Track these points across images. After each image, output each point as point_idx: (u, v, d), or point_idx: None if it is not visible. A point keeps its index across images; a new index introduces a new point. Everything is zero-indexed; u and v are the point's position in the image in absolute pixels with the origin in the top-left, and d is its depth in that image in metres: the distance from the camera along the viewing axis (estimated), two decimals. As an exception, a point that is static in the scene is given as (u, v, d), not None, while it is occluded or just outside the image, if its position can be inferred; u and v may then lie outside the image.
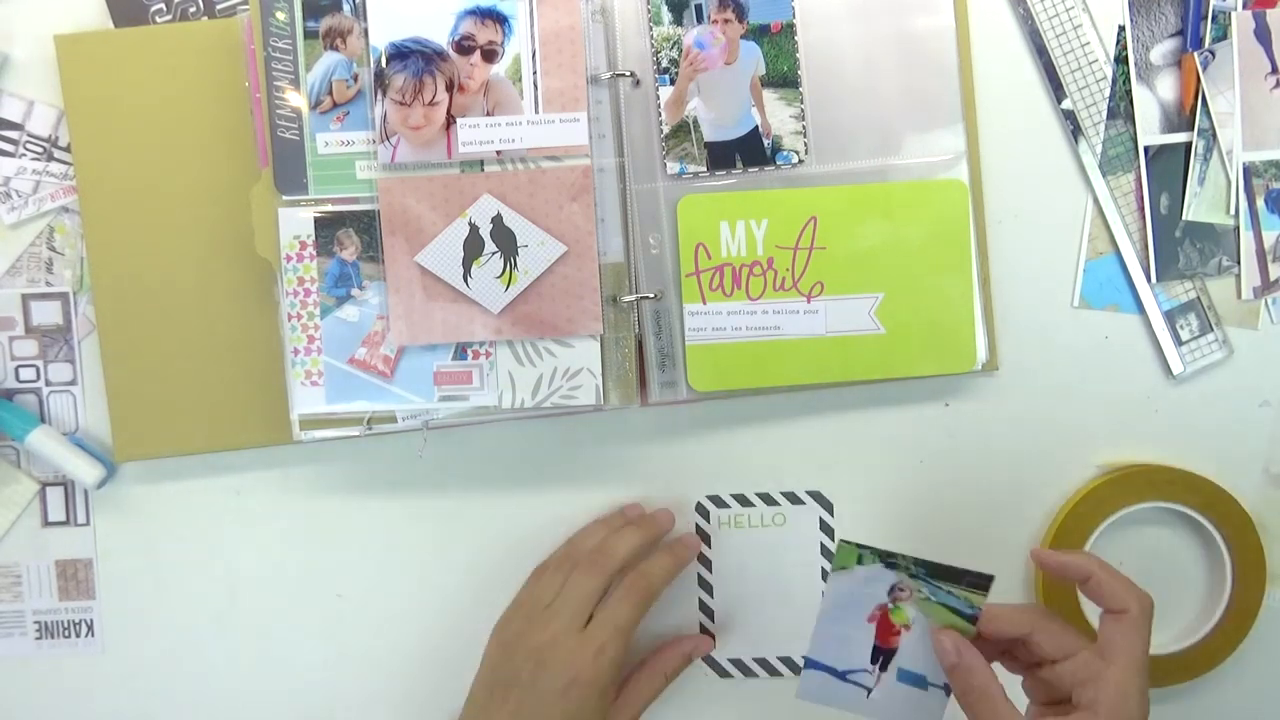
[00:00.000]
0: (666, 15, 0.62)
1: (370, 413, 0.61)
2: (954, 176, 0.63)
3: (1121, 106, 0.65)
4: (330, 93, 0.60)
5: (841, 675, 0.56)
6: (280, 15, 0.60)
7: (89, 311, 0.64)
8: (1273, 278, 0.66)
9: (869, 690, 0.56)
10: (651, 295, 0.62)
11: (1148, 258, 0.66)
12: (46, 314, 0.65)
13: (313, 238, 0.61)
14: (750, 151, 0.62)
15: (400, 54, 0.60)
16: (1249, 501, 0.67)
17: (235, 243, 0.62)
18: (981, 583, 0.53)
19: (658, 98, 0.62)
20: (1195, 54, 0.65)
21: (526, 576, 0.64)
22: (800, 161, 0.62)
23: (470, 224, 0.60)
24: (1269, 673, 0.69)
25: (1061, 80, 0.65)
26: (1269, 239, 0.66)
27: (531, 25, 0.60)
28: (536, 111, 0.60)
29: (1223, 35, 0.65)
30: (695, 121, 0.62)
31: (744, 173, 0.62)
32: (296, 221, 0.61)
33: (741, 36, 0.62)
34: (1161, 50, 0.65)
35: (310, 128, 0.60)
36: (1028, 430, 0.67)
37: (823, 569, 0.67)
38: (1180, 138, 0.65)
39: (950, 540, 0.67)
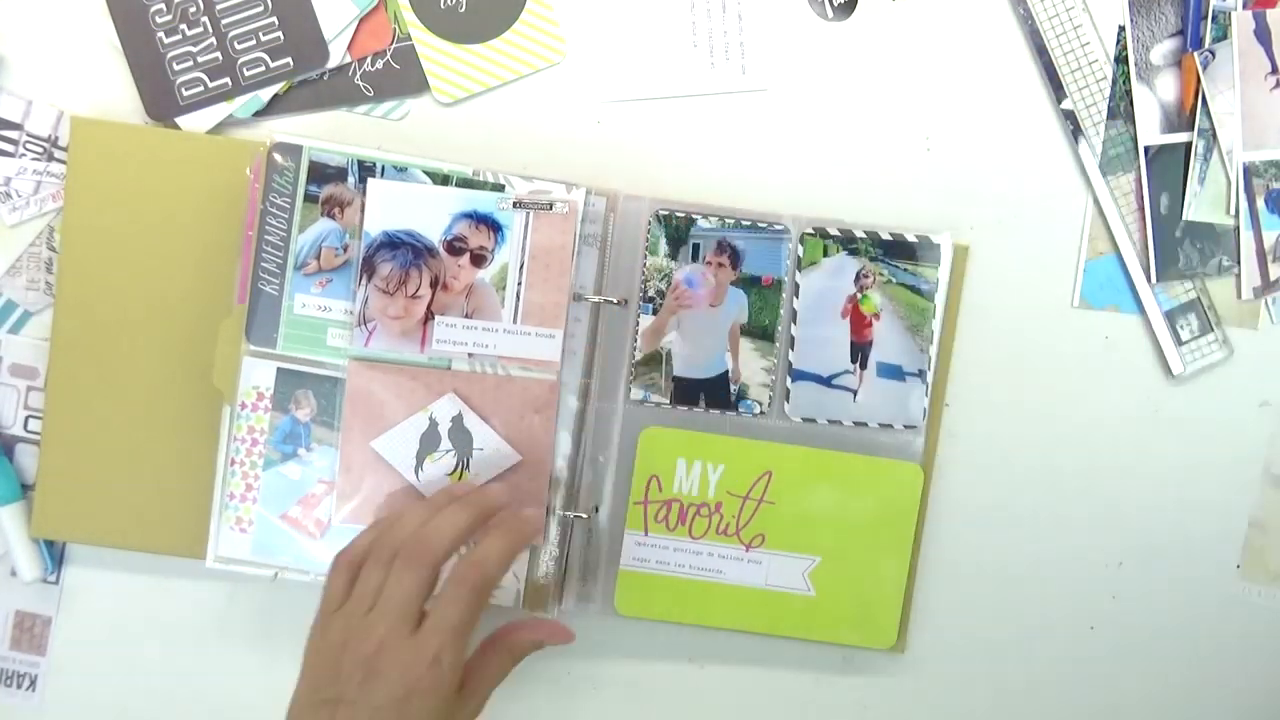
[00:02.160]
0: (664, 247, 0.62)
1: (289, 567, 0.62)
2: (910, 454, 0.64)
3: (1121, 106, 0.65)
4: (318, 257, 0.61)
5: (827, 381, 0.62)
6: (285, 174, 0.60)
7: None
8: (1273, 278, 0.66)
9: (854, 393, 0.61)
10: (585, 515, 0.63)
11: (1148, 258, 0.66)
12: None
13: (271, 391, 0.61)
14: (715, 393, 0.63)
15: (391, 244, 0.60)
16: (1249, 501, 0.67)
17: (197, 361, 0.62)
18: (931, 253, 0.60)
19: (637, 324, 0.63)
20: (1195, 54, 0.65)
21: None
22: (762, 413, 0.63)
23: (430, 419, 0.61)
24: (1268, 673, 0.69)
25: (1061, 80, 0.65)
26: (1269, 239, 0.66)
27: (525, 237, 0.61)
28: (515, 321, 0.61)
29: (1223, 35, 0.65)
30: (668, 354, 0.63)
31: (705, 412, 0.63)
32: (259, 372, 0.61)
33: (731, 283, 0.63)
34: (1161, 50, 0.65)
35: (291, 286, 0.61)
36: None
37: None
38: (1180, 138, 0.65)
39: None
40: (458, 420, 0.61)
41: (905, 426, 0.63)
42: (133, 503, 0.64)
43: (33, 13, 0.63)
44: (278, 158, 0.60)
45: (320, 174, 0.61)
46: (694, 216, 0.63)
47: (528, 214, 0.61)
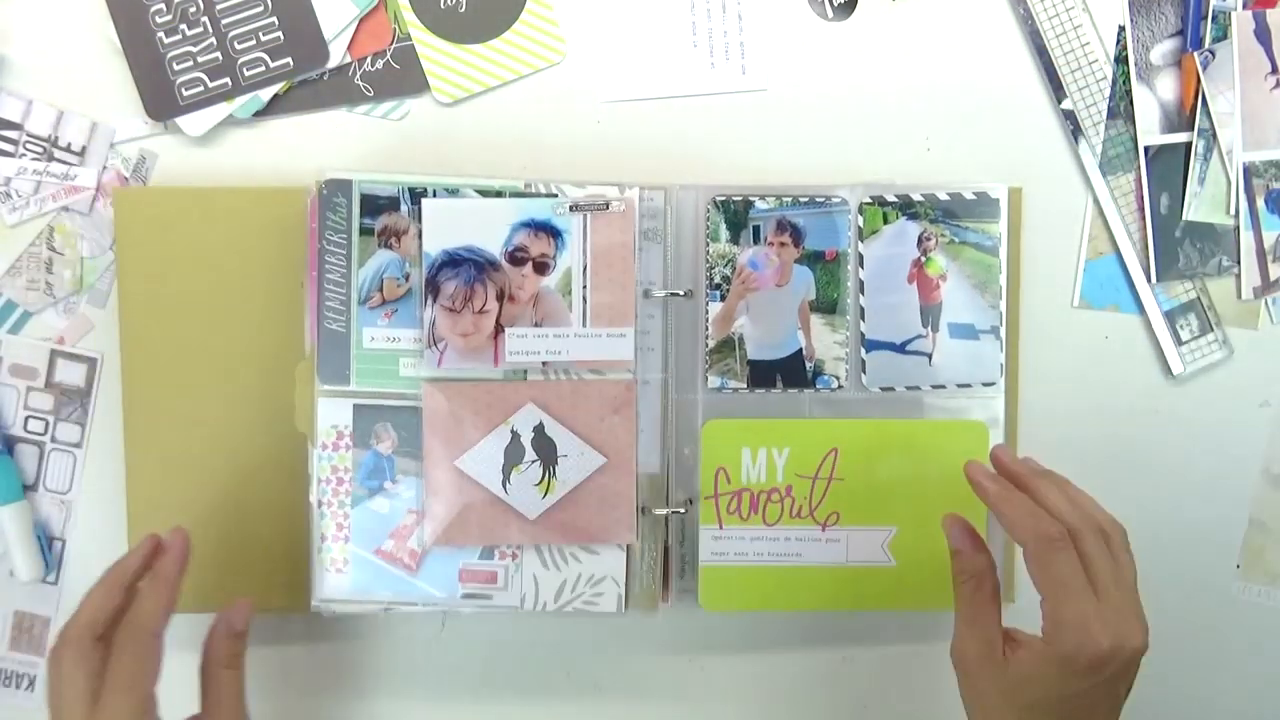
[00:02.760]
0: (724, 233, 0.62)
1: (391, 601, 0.62)
2: (990, 411, 0.63)
3: (1121, 106, 0.65)
4: (380, 289, 0.61)
5: (901, 348, 0.62)
6: (338, 210, 0.60)
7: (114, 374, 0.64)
8: (1273, 278, 0.66)
9: (929, 356, 0.62)
10: (682, 509, 0.63)
11: (1148, 258, 0.66)
12: (71, 374, 0.65)
13: (350, 429, 0.61)
14: (792, 373, 0.63)
15: (453, 261, 0.60)
16: (1249, 501, 0.67)
17: (274, 411, 0.62)
18: (990, 208, 0.61)
19: (706, 312, 0.62)
20: (1195, 54, 0.65)
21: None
22: (840, 387, 0.63)
23: (512, 431, 0.61)
24: (1268, 672, 0.69)
25: (1061, 80, 0.65)
26: (1269, 239, 0.66)
27: (585, 240, 0.60)
28: (584, 324, 0.61)
29: (1223, 35, 0.65)
30: (741, 339, 0.63)
31: (784, 393, 0.63)
32: (335, 411, 0.61)
33: (795, 261, 0.63)
34: (1161, 50, 0.65)
35: (357, 321, 0.61)
36: None
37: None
38: (1180, 138, 0.65)
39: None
40: (539, 430, 0.61)
41: (984, 384, 0.63)
42: (228, 564, 0.63)
43: (33, 13, 0.63)
44: (329, 194, 0.60)
45: (373, 206, 0.60)
46: (751, 199, 0.62)
47: (585, 216, 0.60)
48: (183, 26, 0.63)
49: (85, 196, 0.64)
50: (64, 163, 0.64)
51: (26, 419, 0.65)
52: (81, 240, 0.64)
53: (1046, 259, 0.66)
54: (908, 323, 0.63)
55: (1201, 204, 0.66)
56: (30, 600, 0.66)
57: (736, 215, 0.62)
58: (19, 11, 0.63)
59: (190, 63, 0.63)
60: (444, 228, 0.60)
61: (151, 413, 0.63)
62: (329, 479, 0.61)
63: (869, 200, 0.62)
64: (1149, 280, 0.66)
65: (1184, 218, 0.66)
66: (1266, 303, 0.67)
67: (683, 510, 0.63)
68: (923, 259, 0.63)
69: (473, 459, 0.61)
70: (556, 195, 0.61)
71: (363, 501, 0.61)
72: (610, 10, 0.65)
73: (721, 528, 0.63)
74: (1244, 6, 0.65)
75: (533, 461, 0.61)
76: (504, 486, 0.61)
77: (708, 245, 0.62)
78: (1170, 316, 0.66)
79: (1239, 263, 0.66)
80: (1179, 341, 0.66)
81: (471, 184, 0.61)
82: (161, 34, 0.63)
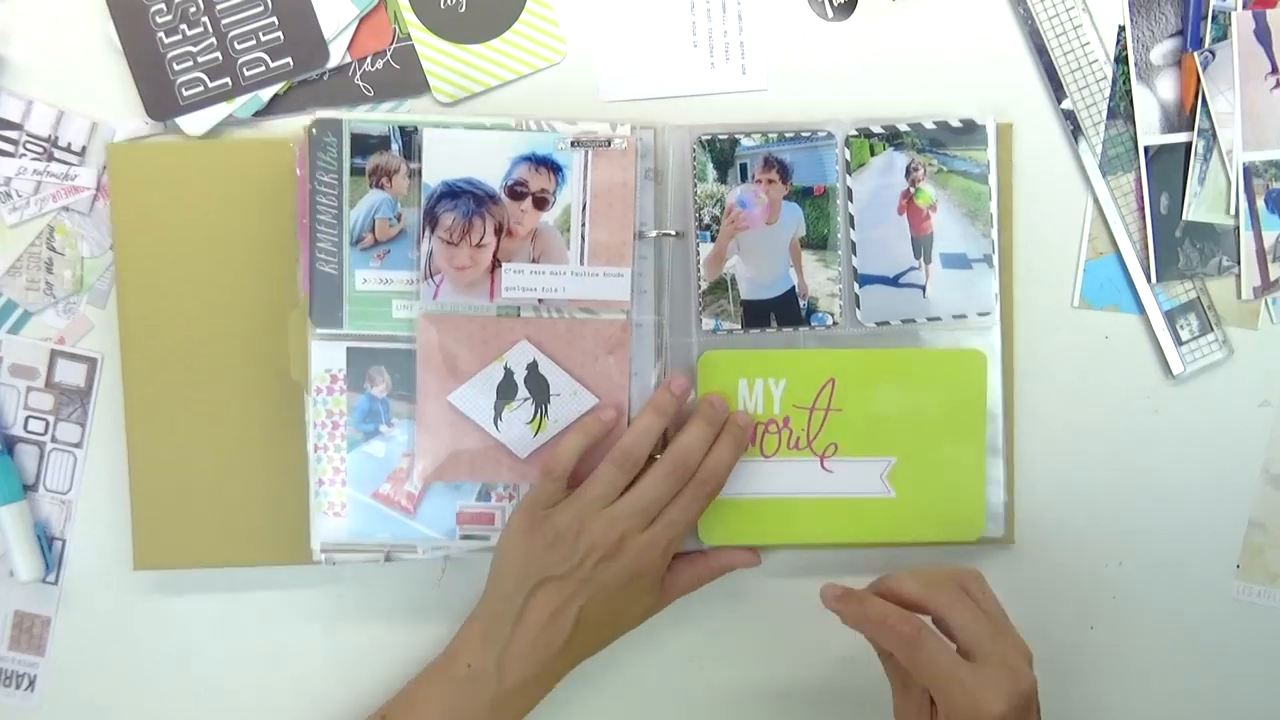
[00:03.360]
0: (711, 172, 0.62)
1: (391, 545, 0.62)
2: (987, 340, 0.63)
3: (1121, 106, 0.65)
4: (372, 230, 0.61)
5: (894, 281, 0.62)
6: (328, 150, 0.60)
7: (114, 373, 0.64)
8: (1273, 278, 0.66)
9: (923, 288, 0.61)
10: None
11: (1148, 258, 0.66)
12: (71, 374, 0.65)
13: (344, 372, 0.61)
14: (786, 312, 0.63)
15: (452, 193, 0.60)
16: (1249, 501, 0.67)
17: (269, 362, 0.62)
18: (978, 136, 0.61)
19: (698, 254, 0.62)
20: (1195, 54, 0.65)
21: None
22: (835, 323, 0.63)
23: (505, 368, 0.61)
24: (1268, 672, 0.69)
25: (1061, 80, 0.65)
26: (1269, 239, 0.66)
27: (585, 177, 0.60)
28: (582, 263, 0.61)
29: (1223, 35, 0.65)
30: (733, 279, 0.62)
31: (778, 332, 0.63)
32: (328, 355, 0.61)
33: (784, 197, 0.62)
34: (1161, 50, 0.65)
35: (349, 263, 0.61)
36: (1043, 604, 0.67)
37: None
38: (1180, 138, 0.65)
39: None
40: (533, 368, 0.61)
41: (979, 314, 0.63)
42: (229, 518, 0.64)
43: (33, 13, 0.63)
44: (318, 134, 0.60)
45: (363, 146, 0.60)
46: (737, 137, 0.62)
47: (586, 153, 0.60)
48: (183, 26, 0.63)
49: (85, 196, 0.64)
50: (64, 163, 0.64)
51: (26, 419, 0.65)
52: (81, 240, 0.64)
53: (1046, 259, 0.66)
54: (900, 255, 0.63)
55: (1201, 204, 0.66)
56: (30, 600, 0.66)
57: (723, 154, 0.62)
58: (19, 11, 0.63)
59: (190, 63, 0.63)
60: (444, 159, 0.60)
61: (149, 370, 0.63)
62: (324, 423, 0.61)
63: (855, 133, 0.62)
64: (1149, 280, 0.66)
65: (1184, 218, 0.66)
66: (1266, 303, 0.67)
67: None
68: (912, 190, 0.63)
69: (465, 394, 0.61)
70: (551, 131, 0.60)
71: (358, 445, 0.62)
72: (610, 10, 0.65)
73: None
74: (1244, 6, 0.65)
75: (525, 399, 0.61)
76: (495, 424, 0.61)
77: (695, 185, 0.62)
78: (1170, 316, 0.66)
79: (1239, 263, 0.66)
80: (1179, 341, 0.66)
81: (462, 122, 0.61)
82: (161, 34, 0.63)
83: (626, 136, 0.60)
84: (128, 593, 0.66)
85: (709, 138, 0.62)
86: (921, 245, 0.63)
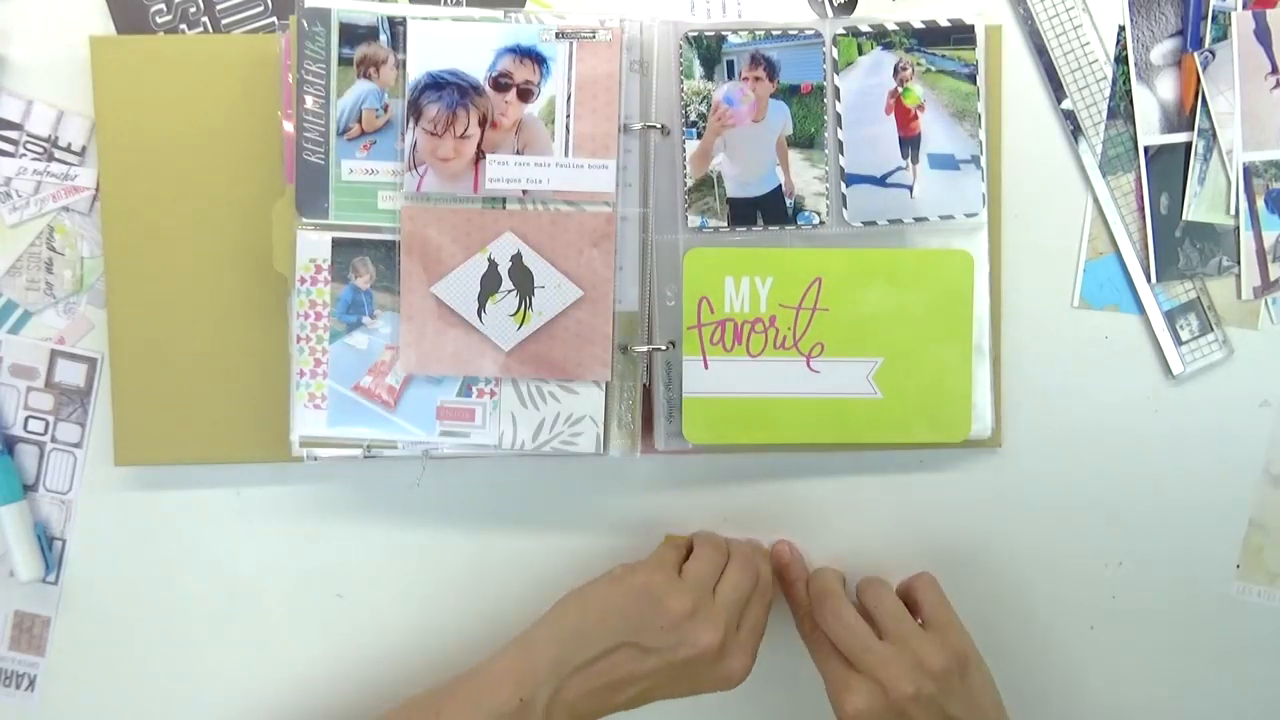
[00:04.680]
0: (698, 69, 0.62)
1: (370, 440, 0.62)
2: (973, 243, 0.63)
3: (1121, 106, 0.65)
4: (359, 120, 0.60)
5: (881, 181, 0.61)
6: (316, 40, 0.60)
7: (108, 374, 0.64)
8: (1273, 278, 0.66)
9: (910, 188, 0.61)
10: (663, 347, 0.62)
11: (1148, 258, 0.66)
12: (71, 374, 0.65)
13: (328, 262, 0.61)
14: (772, 210, 0.62)
15: (436, 85, 0.60)
16: (1249, 501, 0.67)
17: (253, 256, 0.62)
18: (967, 35, 0.60)
19: (684, 150, 0.62)
20: (1195, 54, 0.65)
21: (522, 594, 0.65)
22: (821, 222, 0.62)
23: (489, 260, 0.60)
24: (1268, 672, 0.69)
25: (1061, 80, 0.65)
26: (1269, 239, 0.66)
27: (570, 69, 0.60)
28: (566, 155, 0.60)
29: (1223, 35, 0.65)
30: (719, 177, 0.62)
31: (764, 230, 0.62)
32: (313, 245, 0.61)
33: (771, 95, 0.62)
34: (1161, 50, 0.65)
35: (336, 153, 0.60)
36: (1043, 603, 0.68)
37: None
38: (1180, 138, 0.65)
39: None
40: (517, 259, 0.60)
41: (966, 215, 0.62)
42: (211, 414, 0.64)
43: (33, 13, 0.63)
44: (306, 24, 0.59)
45: (351, 35, 0.60)
46: (724, 34, 0.61)
47: (571, 44, 0.60)
48: (182, 26, 0.63)
49: (85, 196, 0.64)
50: (64, 163, 0.64)
51: (26, 419, 0.65)
52: (81, 240, 0.64)
53: (1046, 259, 0.66)
54: (887, 155, 0.62)
55: (1201, 204, 0.66)
56: (30, 600, 0.66)
57: (710, 51, 0.62)
58: (19, 11, 0.63)
59: (190, 63, 0.63)
60: (429, 51, 0.60)
61: (132, 264, 0.63)
62: (307, 313, 0.61)
63: (843, 31, 0.62)
64: (1149, 280, 0.66)
65: (1184, 218, 0.66)
66: (1266, 303, 0.67)
67: (663, 348, 0.62)
68: (900, 89, 0.62)
69: (449, 285, 0.60)
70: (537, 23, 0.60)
71: (341, 337, 0.61)
72: (609, 10, 0.65)
73: (706, 361, 0.62)
74: (1244, 6, 0.65)
75: (509, 291, 0.60)
76: (479, 315, 0.60)
77: (681, 82, 0.62)
78: (1170, 316, 0.66)
79: (1239, 263, 0.66)
80: (1179, 341, 0.66)
81: (450, 16, 0.60)
82: (161, 34, 0.63)
83: (612, 29, 0.60)
84: (127, 592, 0.66)
85: (695, 34, 0.61)
86: (909, 145, 0.62)
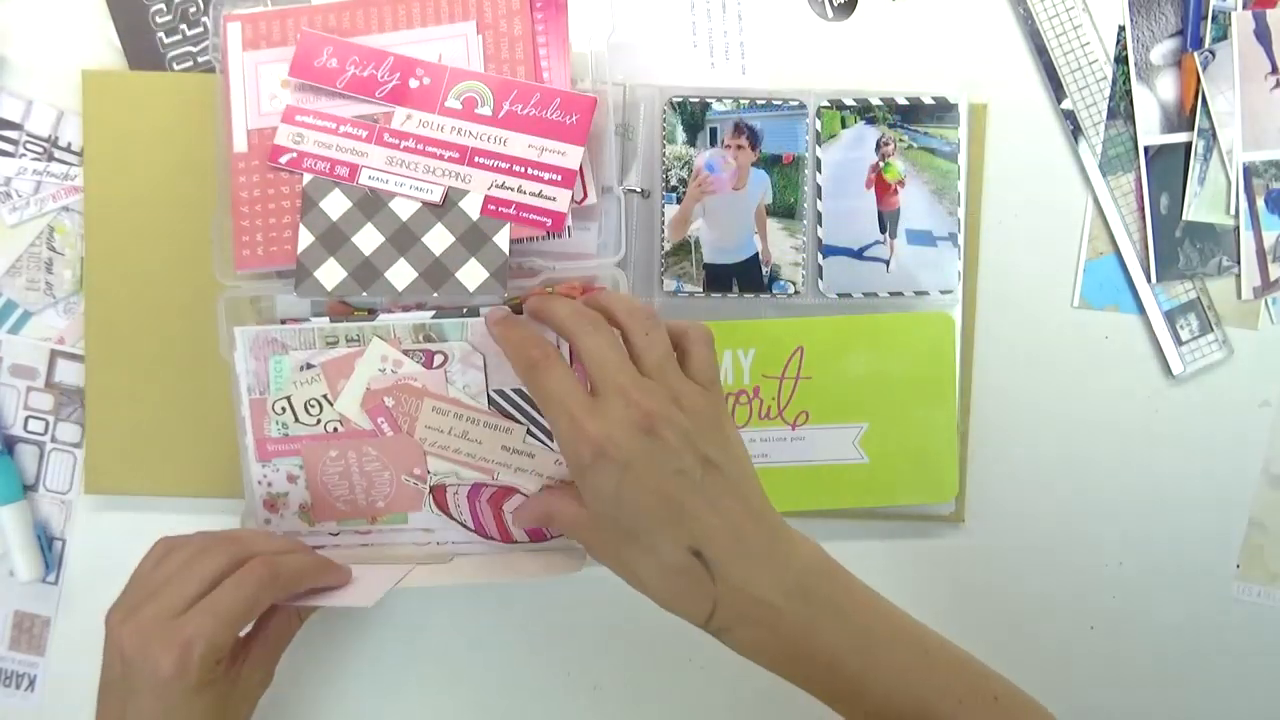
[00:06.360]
0: (681, 135, 0.62)
1: None
2: (948, 309, 0.63)
3: (1121, 106, 0.65)
4: None
5: (859, 254, 0.62)
6: None
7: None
8: (1273, 278, 0.66)
9: (887, 263, 0.62)
10: None
11: (1148, 258, 0.66)
12: (71, 374, 0.65)
13: None
14: (748, 278, 0.63)
15: None
16: (1249, 501, 0.67)
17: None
18: (949, 114, 0.61)
19: (663, 215, 0.62)
20: (1195, 54, 0.65)
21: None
22: (797, 292, 0.63)
23: None
24: (1268, 672, 0.69)
25: (1061, 80, 0.65)
26: (1269, 239, 0.66)
27: None
28: None
29: (1223, 35, 0.65)
30: (697, 242, 0.62)
31: (739, 298, 0.63)
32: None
33: (752, 164, 0.63)
34: (1161, 50, 0.65)
35: None
36: (1040, 603, 0.68)
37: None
38: (1180, 138, 0.65)
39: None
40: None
41: (941, 292, 0.63)
42: (176, 450, 0.64)
43: (33, 13, 0.63)
44: None
45: None
46: (708, 101, 0.62)
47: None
48: (182, 26, 0.63)
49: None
50: (64, 163, 0.64)
51: (26, 419, 0.65)
52: (81, 240, 0.64)
53: (1046, 259, 0.66)
54: (865, 229, 0.63)
55: (1201, 204, 0.66)
56: (30, 600, 0.66)
57: (694, 117, 0.62)
58: (19, 11, 0.63)
59: (190, 63, 0.63)
60: None
61: (113, 299, 0.63)
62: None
63: (827, 104, 0.62)
64: (1149, 280, 0.66)
65: (1184, 218, 0.66)
66: (1266, 303, 0.67)
67: None
68: (881, 164, 0.63)
69: None
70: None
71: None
72: (610, 10, 0.65)
73: None
74: (1244, 6, 0.65)
75: None
76: None
77: (664, 147, 0.62)
78: (1170, 316, 0.66)
79: (1239, 263, 0.66)
80: (1179, 341, 0.66)
81: None
82: (161, 34, 0.63)
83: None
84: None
85: (680, 100, 0.62)
86: (887, 220, 0.63)
